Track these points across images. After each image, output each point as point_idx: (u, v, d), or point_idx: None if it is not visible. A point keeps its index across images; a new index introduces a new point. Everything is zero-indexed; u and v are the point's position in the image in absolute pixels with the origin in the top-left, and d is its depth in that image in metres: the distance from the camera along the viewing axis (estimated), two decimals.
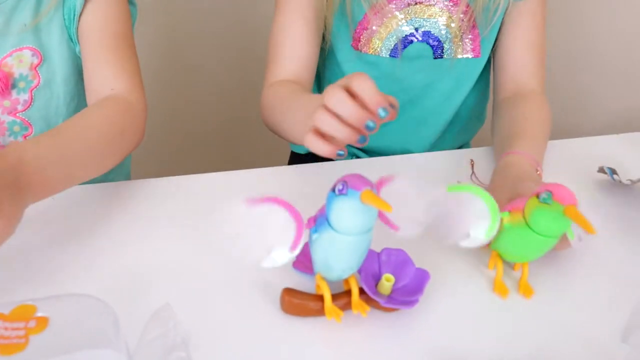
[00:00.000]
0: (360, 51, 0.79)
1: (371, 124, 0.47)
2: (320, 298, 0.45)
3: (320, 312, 0.45)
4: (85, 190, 0.64)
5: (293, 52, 0.76)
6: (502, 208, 0.50)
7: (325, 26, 0.77)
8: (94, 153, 0.60)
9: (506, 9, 0.77)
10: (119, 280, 0.50)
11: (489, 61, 0.83)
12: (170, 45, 1.32)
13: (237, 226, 0.42)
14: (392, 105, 0.48)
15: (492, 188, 0.60)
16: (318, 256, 0.44)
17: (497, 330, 0.47)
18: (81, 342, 0.36)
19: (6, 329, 0.35)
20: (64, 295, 0.38)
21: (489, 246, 0.52)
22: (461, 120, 0.86)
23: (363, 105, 0.47)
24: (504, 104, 0.78)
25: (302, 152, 0.94)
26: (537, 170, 0.63)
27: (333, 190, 0.42)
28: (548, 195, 0.47)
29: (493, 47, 0.81)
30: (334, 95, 0.48)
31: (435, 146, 0.86)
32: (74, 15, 0.67)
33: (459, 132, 0.87)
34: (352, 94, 0.48)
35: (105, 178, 0.68)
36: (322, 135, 0.49)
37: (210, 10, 1.29)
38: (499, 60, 0.81)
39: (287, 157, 0.99)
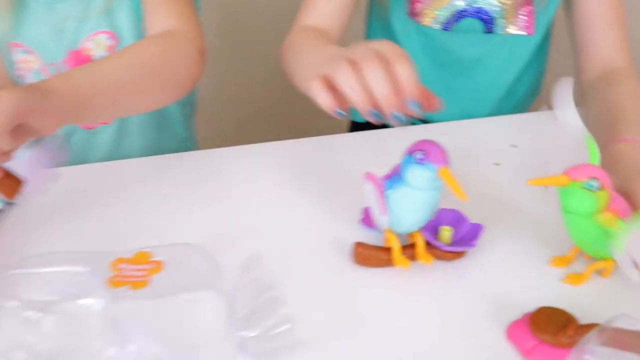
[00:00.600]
0: (415, 20, 0.82)
1: (399, 116, 0.45)
2: (388, 250, 0.51)
3: (389, 262, 0.51)
4: (179, 157, 0.73)
5: (330, 1, 0.76)
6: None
7: None
8: (136, 80, 0.60)
9: None
10: (215, 233, 0.56)
11: (547, 39, 0.85)
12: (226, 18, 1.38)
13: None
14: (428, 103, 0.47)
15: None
16: (390, 211, 0.50)
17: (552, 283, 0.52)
18: (189, 283, 0.43)
19: (131, 270, 0.43)
20: (174, 244, 0.45)
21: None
22: (516, 96, 0.87)
23: (395, 83, 0.44)
24: (595, 86, 0.74)
25: (360, 120, 0.95)
26: None
27: (410, 154, 0.47)
28: None
29: (552, 24, 0.82)
30: (369, 60, 0.44)
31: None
32: None
33: (514, 108, 0.88)
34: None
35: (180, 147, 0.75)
36: (331, 87, 0.46)
37: None
38: (578, 39, 0.78)
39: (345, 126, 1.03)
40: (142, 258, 0.43)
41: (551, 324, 0.42)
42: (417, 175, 0.46)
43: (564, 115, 0.50)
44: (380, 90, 0.43)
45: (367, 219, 0.56)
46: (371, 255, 0.51)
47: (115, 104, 0.59)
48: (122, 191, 0.66)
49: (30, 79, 0.77)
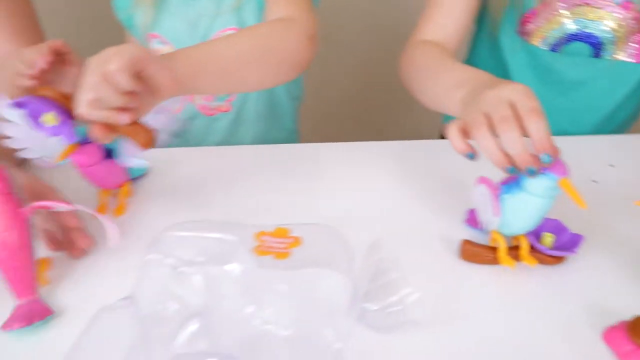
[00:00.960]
0: (524, 39, 0.85)
1: (532, 170, 0.48)
2: (494, 249, 0.55)
3: (494, 260, 0.55)
4: (289, 148, 0.80)
5: (450, 15, 0.80)
6: None
7: (496, 10, 0.83)
8: (247, 55, 0.63)
9: None
10: (338, 218, 0.61)
11: None
12: None
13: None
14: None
15: None
16: (502, 214, 0.54)
17: None
18: (323, 259, 0.49)
19: (273, 242, 0.49)
20: (309, 223, 0.51)
21: None
22: (616, 121, 0.89)
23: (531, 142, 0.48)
24: None
25: None
26: None
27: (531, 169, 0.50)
28: None
29: None
30: (505, 123, 0.48)
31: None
32: None
33: (612, 131, 0.90)
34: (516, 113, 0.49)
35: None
36: (464, 132, 0.52)
37: None
38: None
39: (436, 132, 1.08)
40: (282, 232, 0.49)
41: None
42: (538, 183, 0.50)
43: None
44: (517, 151, 0.48)
45: (471, 220, 0.61)
46: (478, 252, 0.56)
47: (227, 75, 0.61)
48: (239, 173, 0.73)
49: None
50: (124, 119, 0.49)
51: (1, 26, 0.77)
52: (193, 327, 0.45)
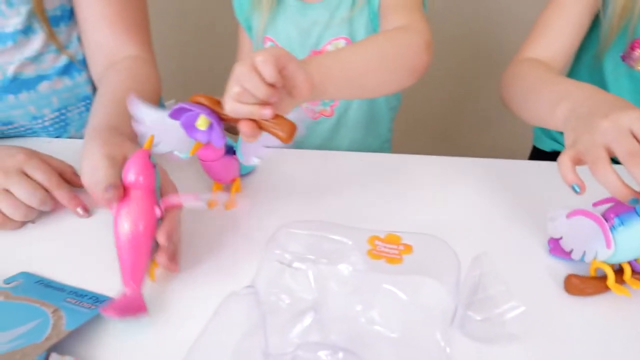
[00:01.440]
0: (629, 65, 0.85)
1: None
2: (600, 279, 0.56)
3: (599, 290, 0.56)
4: (386, 157, 0.82)
5: (560, 37, 0.82)
6: None
7: (606, 34, 0.83)
8: (370, 60, 0.66)
9: None
10: (436, 228, 0.63)
11: None
12: None
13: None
14: None
15: None
16: (615, 245, 0.54)
17: None
18: (432, 269, 0.51)
19: (385, 247, 0.52)
20: (419, 233, 0.54)
21: None
22: None
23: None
24: None
25: (546, 149, 1.02)
26: None
27: None
28: None
29: None
30: (629, 156, 0.48)
31: None
32: (376, 8, 0.82)
33: None
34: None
35: None
36: (576, 162, 0.52)
37: None
38: None
39: (527, 152, 1.08)
40: (393, 239, 0.52)
41: None
42: None
43: None
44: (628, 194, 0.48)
45: (555, 250, 0.61)
46: (586, 287, 0.56)
47: (350, 81, 0.64)
48: (339, 178, 0.76)
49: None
50: (267, 112, 0.53)
51: (113, 20, 0.83)
52: (308, 320, 0.48)
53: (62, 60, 0.85)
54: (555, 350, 0.51)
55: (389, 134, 0.98)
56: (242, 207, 0.57)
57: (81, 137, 0.67)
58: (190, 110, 0.56)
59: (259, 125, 0.54)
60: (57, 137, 0.90)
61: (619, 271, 0.56)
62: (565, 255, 0.60)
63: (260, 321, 0.47)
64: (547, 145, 1.01)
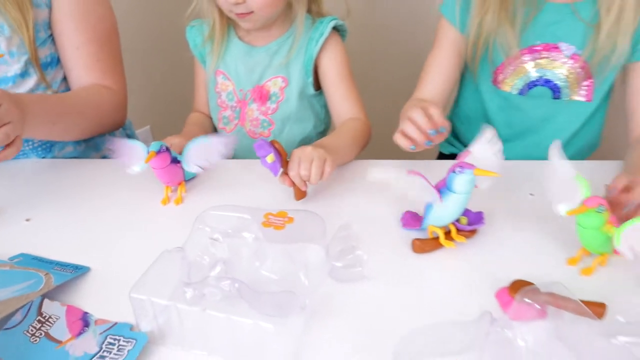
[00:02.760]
0: (497, 87, 1.09)
1: (432, 132, 0.83)
2: (435, 239, 0.78)
3: (436, 247, 0.78)
4: None
5: (438, 83, 1.09)
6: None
7: (474, 68, 1.08)
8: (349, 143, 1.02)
9: (622, 67, 1.01)
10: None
11: (603, 104, 1.08)
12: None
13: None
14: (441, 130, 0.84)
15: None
16: (437, 212, 0.76)
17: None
18: (306, 235, 0.73)
19: (275, 219, 0.74)
20: (301, 210, 0.76)
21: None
22: (573, 147, 1.11)
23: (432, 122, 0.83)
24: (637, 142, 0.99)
25: (446, 152, 1.26)
26: None
27: (453, 171, 0.73)
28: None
29: (611, 93, 1.06)
30: (416, 114, 0.83)
31: None
32: (311, 58, 1.07)
33: (572, 156, 1.11)
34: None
35: None
36: (406, 135, 0.85)
37: None
38: (627, 107, 1.03)
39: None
40: (282, 214, 0.74)
41: (518, 287, 0.67)
42: (462, 181, 0.73)
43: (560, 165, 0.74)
44: (424, 126, 0.83)
45: (406, 224, 0.83)
46: (425, 245, 0.78)
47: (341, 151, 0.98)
48: (261, 179, 0.99)
49: (224, 96, 1.15)
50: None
51: (90, 66, 1.07)
52: (218, 269, 0.69)
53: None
54: (402, 289, 0.72)
55: None
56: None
57: (63, 158, 0.91)
58: (267, 147, 0.85)
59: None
60: (43, 157, 1.13)
61: (447, 233, 0.78)
62: (413, 226, 0.82)
63: (186, 274, 0.68)
64: (447, 150, 1.25)
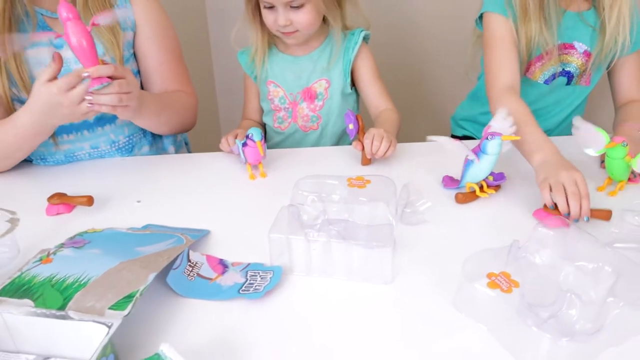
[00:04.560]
0: (527, 76, 1.36)
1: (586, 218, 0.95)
2: (471, 193, 1.04)
3: (473, 198, 1.04)
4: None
5: (512, 68, 1.26)
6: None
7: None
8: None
9: (614, 58, 1.31)
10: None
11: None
12: None
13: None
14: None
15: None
16: (473, 171, 1.02)
17: None
18: (381, 192, 0.98)
19: (356, 181, 0.98)
20: (375, 175, 1.01)
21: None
22: (568, 120, 1.38)
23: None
24: (622, 107, 1.33)
25: (459, 135, 1.54)
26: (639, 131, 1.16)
27: (486, 138, 0.99)
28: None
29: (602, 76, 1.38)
30: (575, 197, 0.94)
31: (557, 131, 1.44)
32: (349, 63, 1.33)
33: (565, 129, 1.43)
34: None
35: None
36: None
37: None
38: (615, 84, 1.36)
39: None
40: (360, 178, 0.99)
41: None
42: (494, 144, 0.99)
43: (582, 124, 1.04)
44: (575, 210, 0.94)
45: (447, 183, 1.09)
46: (467, 196, 1.04)
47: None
48: (319, 163, 1.24)
49: (277, 101, 1.40)
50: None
51: (166, 76, 1.32)
52: (320, 219, 0.93)
53: None
54: (453, 228, 0.98)
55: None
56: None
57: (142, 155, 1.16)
58: (352, 117, 1.15)
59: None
60: (127, 156, 1.34)
61: (481, 188, 1.05)
62: (452, 185, 1.08)
63: (298, 219, 0.92)
64: (459, 132, 1.53)
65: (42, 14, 1.20)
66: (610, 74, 1.37)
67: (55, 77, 1.03)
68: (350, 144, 1.24)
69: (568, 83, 1.37)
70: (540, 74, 1.35)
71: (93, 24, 1.01)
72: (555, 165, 1.00)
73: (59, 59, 1.03)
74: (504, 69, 1.26)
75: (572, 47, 1.32)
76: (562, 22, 1.30)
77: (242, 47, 1.41)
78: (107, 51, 1.22)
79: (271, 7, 1.26)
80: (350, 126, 1.19)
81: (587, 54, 1.31)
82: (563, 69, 1.34)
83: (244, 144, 1.15)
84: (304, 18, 1.25)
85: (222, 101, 2.16)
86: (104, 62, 1.04)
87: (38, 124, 1.10)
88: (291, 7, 1.24)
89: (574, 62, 1.33)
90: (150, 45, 1.29)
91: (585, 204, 0.94)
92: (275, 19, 1.26)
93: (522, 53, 1.30)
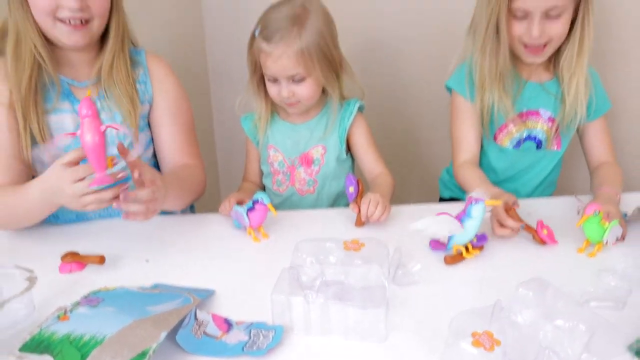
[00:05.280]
0: (496, 143, 1.47)
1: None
2: (458, 255, 1.12)
3: (460, 259, 1.12)
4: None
5: (472, 141, 1.46)
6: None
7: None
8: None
9: (580, 122, 1.42)
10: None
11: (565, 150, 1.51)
12: None
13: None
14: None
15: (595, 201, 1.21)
16: (459, 235, 1.10)
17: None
18: (375, 254, 1.06)
19: (351, 245, 1.07)
20: (370, 238, 1.09)
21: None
22: (545, 184, 1.53)
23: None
24: (597, 170, 1.43)
25: (446, 196, 1.64)
26: (616, 195, 1.26)
27: (471, 203, 1.09)
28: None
29: (572, 140, 1.49)
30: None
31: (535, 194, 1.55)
32: (345, 131, 1.43)
33: (543, 191, 1.55)
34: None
35: None
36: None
37: None
38: (587, 148, 1.47)
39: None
40: (355, 241, 1.07)
41: None
42: (478, 209, 1.09)
43: None
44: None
45: (435, 245, 1.17)
46: (455, 258, 1.12)
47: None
48: (315, 224, 1.32)
49: (276, 165, 1.49)
50: None
51: (178, 148, 1.41)
52: (318, 281, 1.01)
53: None
54: (441, 288, 1.06)
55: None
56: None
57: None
58: (353, 180, 1.25)
59: None
60: None
61: (466, 249, 1.13)
62: (439, 248, 1.16)
63: (296, 279, 0.99)
64: (447, 194, 1.63)
65: (67, 83, 1.31)
66: (580, 137, 1.50)
67: (77, 162, 1.09)
68: (347, 205, 1.32)
69: (538, 148, 1.48)
70: (508, 140, 1.47)
71: (108, 126, 1.06)
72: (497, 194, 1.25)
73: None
74: (463, 144, 1.46)
75: (538, 113, 1.45)
76: (525, 92, 1.44)
77: (244, 113, 1.51)
78: (124, 120, 1.32)
79: (275, 81, 1.37)
80: (351, 189, 1.28)
81: (552, 120, 1.44)
82: (529, 135, 1.46)
83: (251, 209, 1.23)
84: (305, 91, 1.36)
85: (222, 163, 2.25)
86: (113, 162, 1.10)
87: (45, 199, 1.16)
88: (293, 80, 1.35)
89: (540, 127, 1.46)
90: (164, 118, 1.40)
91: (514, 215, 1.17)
92: (279, 91, 1.37)
93: (484, 122, 1.44)
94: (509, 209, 1.18)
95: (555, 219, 1.22)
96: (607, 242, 1.12)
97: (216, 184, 2.23)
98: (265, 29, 1.34)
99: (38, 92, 1.25)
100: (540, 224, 1.18)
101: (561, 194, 1.50)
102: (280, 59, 1.32)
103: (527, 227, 1.19)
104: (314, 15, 1.34)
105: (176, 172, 1.38)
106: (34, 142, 1.25)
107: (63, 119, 1.28)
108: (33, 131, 1.24)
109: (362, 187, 1.28)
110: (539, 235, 1.17)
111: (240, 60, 1.47)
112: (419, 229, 1.11)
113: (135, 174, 1.10)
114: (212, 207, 1.40)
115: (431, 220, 1.11)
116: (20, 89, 1.22)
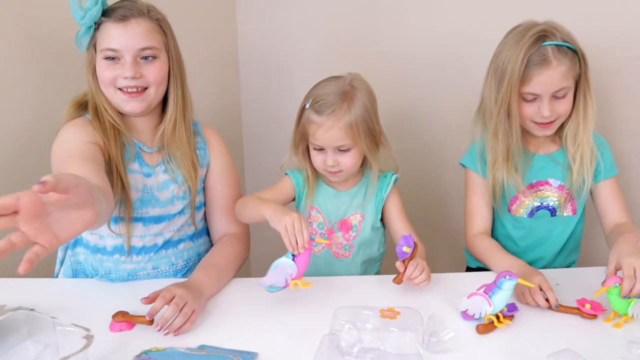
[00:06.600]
0: (511, 213, 1.54)
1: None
2: (490, 324, 1.17)
3: (491, 329, 1.17)
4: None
5: (484, 213, 1.55)
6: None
7: (495, 201, 1.54)
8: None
9: (591, 187, 1.50)
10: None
11: (583, 215, 1.56)
12: None
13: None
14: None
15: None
16: (491, 305, 1.16)
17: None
18: (409, 322, 1.12)
19: (387, 313, 1.13)
20: (403, 307, 1.15)
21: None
22: (566, 249, 1.58)
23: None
24: (613, 232, 1.45)
25: (473, 266, 1.69)
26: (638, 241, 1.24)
27: (504, 277, 1.15)
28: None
29: (586, 202, 1.55)
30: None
31: (551, 264, 1.60)
32: (381, 201, 1.51)
33: (565, 259, 1.60)
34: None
35: None
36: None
37: None
38: (601, 210, 1.52)
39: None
40: (391, 310, 1.13)
41: None
42: (509, 283, 1.15)
43: None
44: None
45: (466, 315, 1.22)
46: (486, 328, 1.17)
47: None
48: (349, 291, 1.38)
49: (315, 225, 1.57)
50: None
51: (226, 212, 1.51)
52: (356, 348, 1.07)
53: (192, 230, 1.50)
54: (474, 357, 1.11)
55: (379, 266, 1.64)
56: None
57: None
58: (410, 241, 1.33)
59: None
60: (182, 277, 1.49)
61: (497, 319, 1.18)
62: (470, 317, 1.21)
63: (335, 345, 1.05)
64: (474, 264, 1.68)
65: (139, 146, 1.44)
66: (594, 202, 1.56)
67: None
68: (377, 272, 1.39)
69: (552, 215, 1.55)
70: (522, 209, 1.55)
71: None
72: (523, 268, 1.33)
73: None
74: (476, 217, 1.55)
75: (548, 183, 1.53)
76: (533, 165, 1.53)
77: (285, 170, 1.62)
78: (185, 181, 1.44)
79: (321, 150, 1.47)
80: (406, 249, 1.33)
81: (562, 188, 1.52)
82: (542, 203, 1.54)
83: (295, 255, 1.27)
84: (349, 161, 1.46)
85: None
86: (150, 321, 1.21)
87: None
88: (339, 150, 1.45)
89: (551, 196, 1.53)
90: (218, 182, 1.53)
91: (552, 295, 1.22)
92: (324, 160, 1.47)
93: (497, 196, 1.53)
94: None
95: (578, 289, 1.29)
96: (633, 315, 1.16)
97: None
98: (316, 103, 1.45)
99: (120, 149, 1.38)
100: (582, 301, 1.23)
101: (586, 259, 1.55)
102: (331, 130, 1.43)
103: (562, 307, 1.24)
104: (360, 92, 1.45)
105: (216, 257, 1.46)
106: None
107: (135, 179, 1.41)
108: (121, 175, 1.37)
109: (417, 251, 1.34)
110: (584, 312, 1.21)
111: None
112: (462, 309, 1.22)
113: None
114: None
115: (469, 302, 1.21)
116: (111, 145, 1.35)
